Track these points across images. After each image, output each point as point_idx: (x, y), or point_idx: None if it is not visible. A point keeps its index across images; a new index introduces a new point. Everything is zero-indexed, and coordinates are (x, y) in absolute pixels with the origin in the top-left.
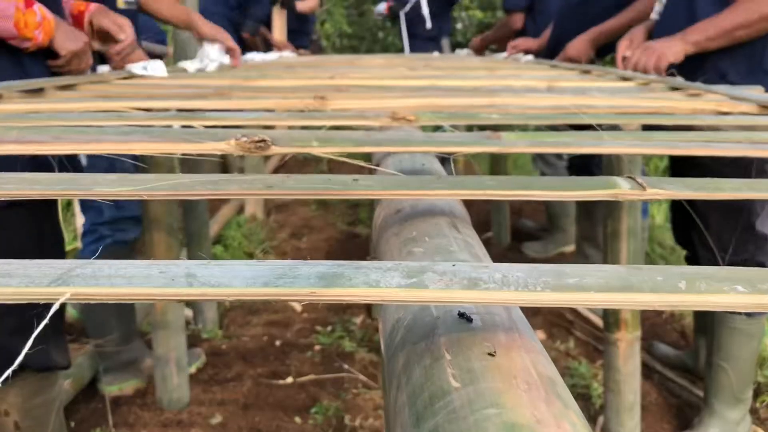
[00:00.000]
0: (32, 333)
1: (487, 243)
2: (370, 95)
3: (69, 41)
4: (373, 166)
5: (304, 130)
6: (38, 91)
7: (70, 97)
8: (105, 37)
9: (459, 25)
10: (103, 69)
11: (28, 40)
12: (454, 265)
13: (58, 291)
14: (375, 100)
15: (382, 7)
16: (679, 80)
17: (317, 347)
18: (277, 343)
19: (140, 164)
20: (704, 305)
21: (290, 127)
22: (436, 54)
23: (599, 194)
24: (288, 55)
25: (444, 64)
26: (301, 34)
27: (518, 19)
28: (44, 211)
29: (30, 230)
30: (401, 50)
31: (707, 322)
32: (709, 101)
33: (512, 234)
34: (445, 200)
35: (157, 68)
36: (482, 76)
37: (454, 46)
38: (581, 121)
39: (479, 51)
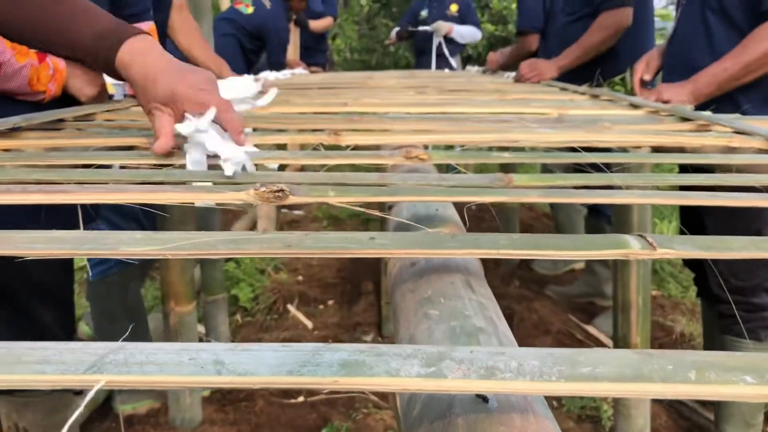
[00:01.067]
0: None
1: (496, 261)
2: (383, 125)
3: (86, 86)
4: (384, 215)
5: (320, 171)
6: (58, 121)
7: (89, 126)
8: None
9: None
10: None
11: (42, 93)
12: (471, 352)
13: (93, 378)
14: (388, 135)
15: (393, 34)
16: (688, 109)
17: None
18: None
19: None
20: (714, 395)
21: (304, 167)
22: (447, 71)
23: (611, 254)
24: (301, 72)
25: (454, 83)
26: (317, 51)
27: (533, 41)
28: None
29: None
30: (411, 63)
31: (715, 346)
32: (719, 136)
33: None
34: None
35: None
36: (493, 101)
37: (465, 59)
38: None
39: (496, 67)
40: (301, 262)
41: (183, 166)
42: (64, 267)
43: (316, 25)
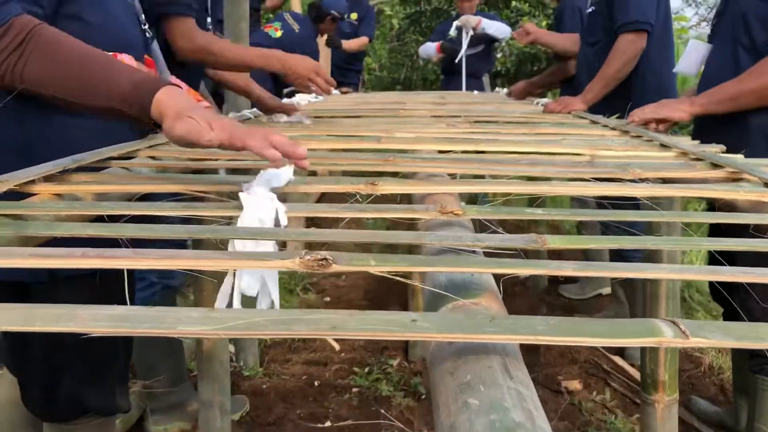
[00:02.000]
0: (100, 381)
1: (524, 284)
2: (417, 166)
3: None
4: (422, 285)
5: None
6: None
7: (134, 165)
8: None
9: (499, 54)
10: None
11: None
12: None
13: None
14: (423, 185)
15: (431, 49)
16: (719, 153)
17: (355, 389)
18: (316, 383)
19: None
20: None
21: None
22: (476, 93)
23: (643, 341)
24: (333, 94)
25: (484, 111)
26: (349, 70)
27: (572, 66)
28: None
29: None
30: (439, 78)
31: (747, 381)
32: (751, 190)
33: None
34: None
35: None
36: (524, 139)
37: (494, 75)
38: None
39: (521, 96)
40: (329, 282)
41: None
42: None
43: (350, 45)
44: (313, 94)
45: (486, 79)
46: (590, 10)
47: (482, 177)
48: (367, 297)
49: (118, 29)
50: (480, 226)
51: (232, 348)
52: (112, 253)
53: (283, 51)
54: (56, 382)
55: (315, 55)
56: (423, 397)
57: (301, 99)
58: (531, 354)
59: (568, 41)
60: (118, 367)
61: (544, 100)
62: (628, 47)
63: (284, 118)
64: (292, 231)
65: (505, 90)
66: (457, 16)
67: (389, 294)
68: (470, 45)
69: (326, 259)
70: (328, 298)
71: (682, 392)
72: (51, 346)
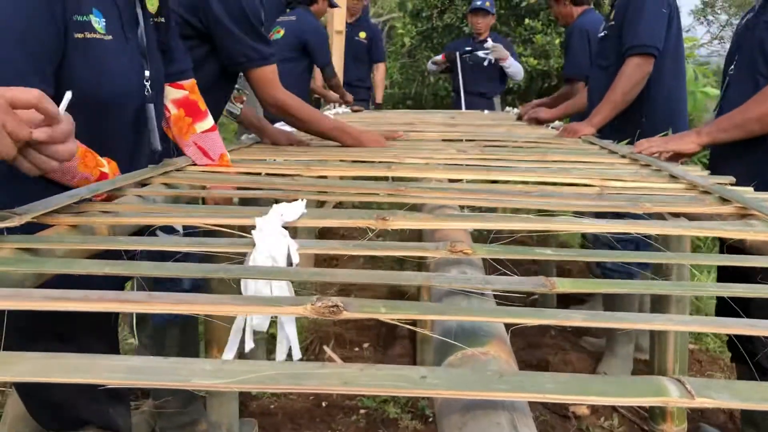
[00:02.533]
0: (93, 396)
1: (533, 306)
2: (427, 197)
3: None
4: (431, 334)
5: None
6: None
7: (145, 192)
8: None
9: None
10: None
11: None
12: None
13: None
14: (433, 221)
15: (437, 57)
16: (728, 187)
17: (362, 411)
18: (324, 404)
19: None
20: None
21: (351, 256)
22: (486, 113)
23: (650, 401)
24: (343, 112)
25: (494, 135)
26: (360, 88)
27: (581, 88)
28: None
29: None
30: (450, 94)
31: (755, 414)
32: (762, 230)
33: (558, 298)
34: None
35: None
36: (534, 167)
37: (505, 92)
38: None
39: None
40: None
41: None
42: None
43: (379, 92)
44: (336, 109)
45: (497, 100)
46: (602, 34)
47: (493, 210)
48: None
49: (112, 83)
50: (490, 266)
51: None
52: (127, 296)
53: (294, 42)
54: (51, 396)
55: (323, 33)
56: (430, 420)
57: None
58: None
59: (569, 108)
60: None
61: (557, 123)
62: (634, 71)
63: None
64: (303, 270)
65: (516, 110)
66: (470, 34)
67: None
68: (473, 62)
69: (337, 306)
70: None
71: (692, 420)
72: None
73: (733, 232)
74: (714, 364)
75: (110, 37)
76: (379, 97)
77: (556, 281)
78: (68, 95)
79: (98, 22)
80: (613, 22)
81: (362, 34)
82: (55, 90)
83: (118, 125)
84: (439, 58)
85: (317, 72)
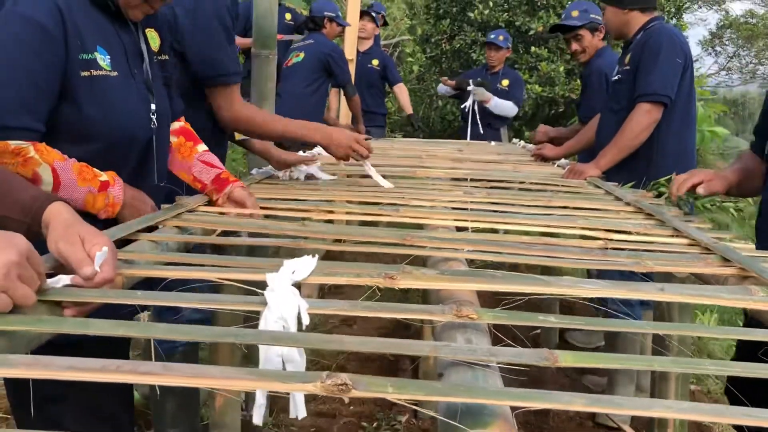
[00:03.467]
0: (101, 419)
1: (535, 340)
2: (436, 250)
3: (132, 218)
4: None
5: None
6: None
7: (158, 238)
8: (237, 202)
9: None
10: None
11: (94, 215)
12: None
13: None
14: (440, 281)
15: (449, 83)
16: (730, 245)
17: None
18: None
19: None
20: None
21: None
22: (493, 144)
23: None
24: None
25: (501, 173)
26: (377, 114)
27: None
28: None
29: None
30: (457, 118)
31: None
32: (761, 299)
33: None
34: None
35: None
36: (539, 213)
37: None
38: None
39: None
40: (341, 332)
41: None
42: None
43: (404, 99)
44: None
45: (504, 131)
46: (616, 77)
47: (500, 265)
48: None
49: (119, 118)
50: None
51: (242, 396)
52: (144, 368)
53: (316, 65)
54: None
55: (342, 52)
56: None
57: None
58: (539, 414)
59: (574, 147)
60: (116, 422)
61: (563, 161)
62: (643, 117)
63: (303, 171)
64: (313, 337)
65: (522, 143)
66: (485, 66)
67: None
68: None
69: (346, 384)
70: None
71: None
72: (49, 400)
73: (731, 300)
74: None
75: (116, 73)
76: (409, 110)
77: (558, 355)
78: (104, 251)
79: (103, 59)
80: (627, 67)
81: (375, 62)
82: (45, 126)
83: (126, 158)
84: (451, 83)
85: (329, 100)
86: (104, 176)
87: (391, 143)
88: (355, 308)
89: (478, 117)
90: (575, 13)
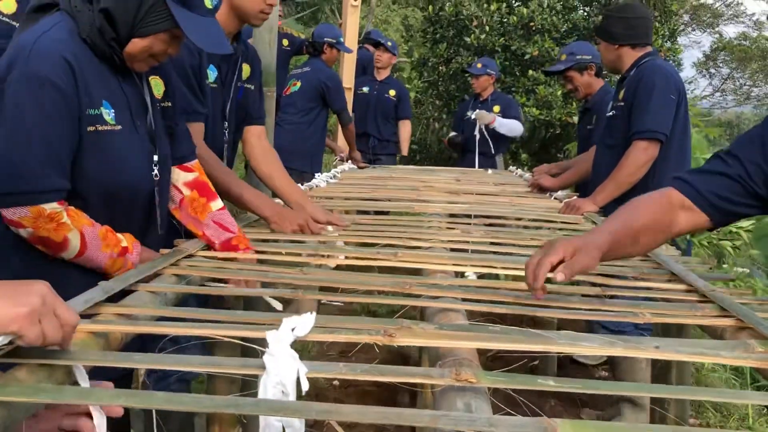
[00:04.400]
0: None
1: (535, 369)
2: (434, 300)
3: None
4: None
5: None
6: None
7: (157, 289)
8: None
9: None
10: None
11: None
12: None
13: None
14: (439, 339)
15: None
16: (727, 300)
17: None
18: None
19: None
20: None
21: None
22: (490, 172)
23: None
24: (349, 168)
25: (499, 208)
26: (390, 142)
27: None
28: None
29: None
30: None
31: None
32: (761, 358)
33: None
34: None
35: None
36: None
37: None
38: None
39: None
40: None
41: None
42: None
43: (405, 145)
44: (342, 165)
45: (500, 158)
46: (611, 113)
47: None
48: (376, 384)
49: (123, 172)
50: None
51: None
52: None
53: (312, 94)
54: None
55: (338, 79)
56: None
57: (320, 182)
58: None
59: (571, 178)
60: None
61: (560, 194)
62: (640, 154)
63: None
64: (312, 406)
65: (519, 171)
66: (472, 99)
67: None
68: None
69: None
70: (337, 382)
71: None
72: None
73: (729, 358)
74: None
75: (120, 126)
76: (404, 151)
77: (558, 425)
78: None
79: (108, 114)
80: (621, 103)
81: (392, 92)
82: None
83: (129, 210)
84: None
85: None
86: (125, 242)
87: (390, 172)
88: (354, 372)
89: (490, 142)
90: (563, 57)
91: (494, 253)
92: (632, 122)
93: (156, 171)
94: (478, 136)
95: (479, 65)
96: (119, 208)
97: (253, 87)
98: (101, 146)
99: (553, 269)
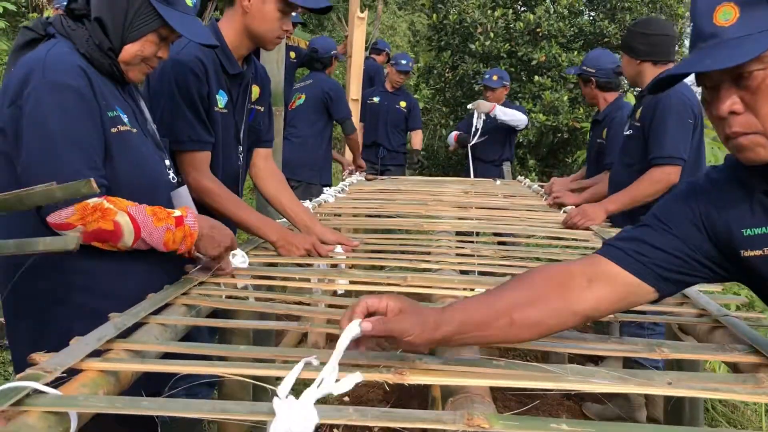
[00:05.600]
0: None
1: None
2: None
3: (211, 248)
4: None
5: None
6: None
7: (164, 321)
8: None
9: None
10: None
11: (174, 251)
12: None
13: None
14: (448, 376)
15: (451, 137)
16: (736, 318)
17: None
18: None
19: None
20: None
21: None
22: (498, 182)
23: None
24: (357, 180)
25: (509, 225)
26: (398, 153)
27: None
28: None
29: None
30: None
31: None
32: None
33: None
34: None
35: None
36: None
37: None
38: None
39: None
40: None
41: None
42: None
43: (417, 141)
44: (351, 177)
45: (507, 167)
46: (628, 132)
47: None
48: (386, 398)
49: (143, 171)
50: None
51: None
52: None
53: (316, 104)
54: None
55: (341, 89)
56: None
57: (328, 197)
58: None
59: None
60: None
61: (569, 208)
62: (662, 178)
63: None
64: None
65: (528, 182)
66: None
67: (409, 397)
68: (487, 131)
69: None
70: (347, 398)
71: None
72: None
73: (744, 395)
74: None
75: (135, 129)
76: (417, 146)
77: None
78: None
79: (123, 118)
80: (638, 123)
81: (402, 104)
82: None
83: (158, 205)
84: (452, 140)
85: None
86: (177, 212)
87: (398, 185)
88: (365, 417)
89: (486, 134)
90: (580, 63)
91: (504, 275)
92: (651, 146)
93: (172, 174)
94: (479, 130)
95: (495, 77)
96: (151, 203)
97: (263, 108)
98: (127, 146)
99: None
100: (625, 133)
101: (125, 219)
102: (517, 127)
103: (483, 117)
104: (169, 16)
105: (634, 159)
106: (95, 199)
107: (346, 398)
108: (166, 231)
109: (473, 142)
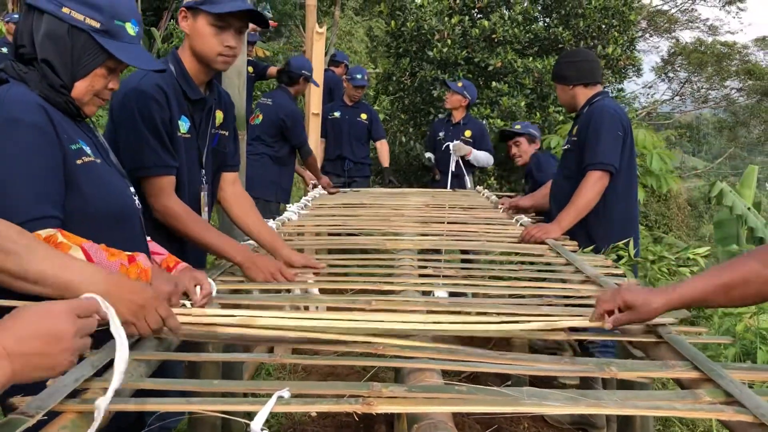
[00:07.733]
0: None
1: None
2: (407, 361)
3: (164, 285)
4: None
5: None
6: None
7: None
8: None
9: None
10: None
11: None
12: None
13: None
14: (416, 404)
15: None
16: (681, 342)
17: None
18: None
19: None
20: None
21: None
22: (459, 193)
23: None
24: (320, 194)
25: (470, 240)
26: (363, 165)
27: None
28: None
29: None
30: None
31: None
32: (711, 410)
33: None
34: None
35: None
36: (505, 303)
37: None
38: None
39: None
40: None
41: None
42: None
43: (384, 153)
44: (313, 192)
45: (469, 177)
46: (566, 147)
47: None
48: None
49: (113, 200)
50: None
51: None
52: None
53: (271, 129)
54: None
55: (298, 115)
56: None
57: (291, 215)
58: None
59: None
60: None
61: (525, 220)
62: (596, 182)
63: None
64: None
65: (486, 192)
66: (445, 119)
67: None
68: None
69: None
70: (315, 413)
71: None
72: None
73: (684, 411)
74: None
75: (99, 160)
76: (385, 163)
77: None
78: None
79: (86, 149)
80: (575, 138)
81: (363, 116)
82: (63, 213)
83: (126, 234)
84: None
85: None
86: (128, 253)
87: (361, 198)
88: None
89: (463, 169)
90: (518, 127)
91: (465, 294)
92: (585, 155)
93: (137, 201)
94: (453, 167)
95: (460, 84)
96: (118, 232)
97: (227, 133)
98: (93, 175)
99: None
100: (563, 147)
101: (78, 253)
102: (483, 165)
103: (457, 158)
104: (114, 48)
105: (572, 170)
106: (48, 230)
107: (313, 414)
108: (120, 266)
109: (448, 182)
